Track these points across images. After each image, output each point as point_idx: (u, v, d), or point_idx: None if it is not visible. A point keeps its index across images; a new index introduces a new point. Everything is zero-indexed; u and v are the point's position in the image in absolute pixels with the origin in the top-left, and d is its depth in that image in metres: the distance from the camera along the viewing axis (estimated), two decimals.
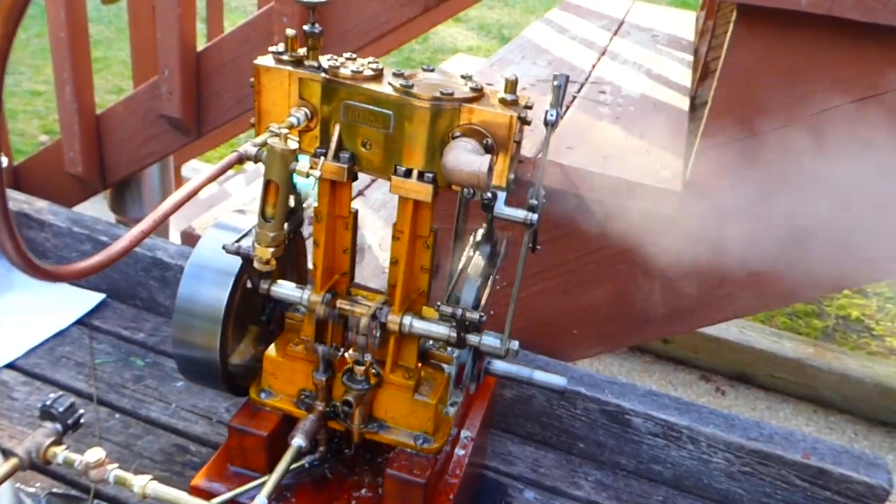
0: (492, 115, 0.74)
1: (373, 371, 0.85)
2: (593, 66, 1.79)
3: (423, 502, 0.84)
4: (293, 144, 0.69)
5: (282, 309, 0.95)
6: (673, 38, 2.19)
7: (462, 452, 0.95)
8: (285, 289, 0.86)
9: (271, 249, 0.72)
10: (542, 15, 2.40)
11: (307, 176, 0.69)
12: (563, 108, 1.45)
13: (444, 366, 0.91)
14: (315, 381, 0.86)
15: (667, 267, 1.26)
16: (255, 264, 0.75)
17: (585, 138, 1.33)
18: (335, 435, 0.93)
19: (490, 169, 0.70)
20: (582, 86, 1.64)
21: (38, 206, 1.53)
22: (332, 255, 0.85)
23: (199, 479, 0.88)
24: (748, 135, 1.06)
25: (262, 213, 0.71)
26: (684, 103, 1.57)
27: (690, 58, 1.97)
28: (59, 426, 0.84)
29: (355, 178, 0.81)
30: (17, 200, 1.55)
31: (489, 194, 0.77)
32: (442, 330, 0.83)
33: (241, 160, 0.68)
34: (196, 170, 3.09)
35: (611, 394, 1.21)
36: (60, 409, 0.84)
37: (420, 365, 0.90)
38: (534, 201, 0.76)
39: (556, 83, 0.71)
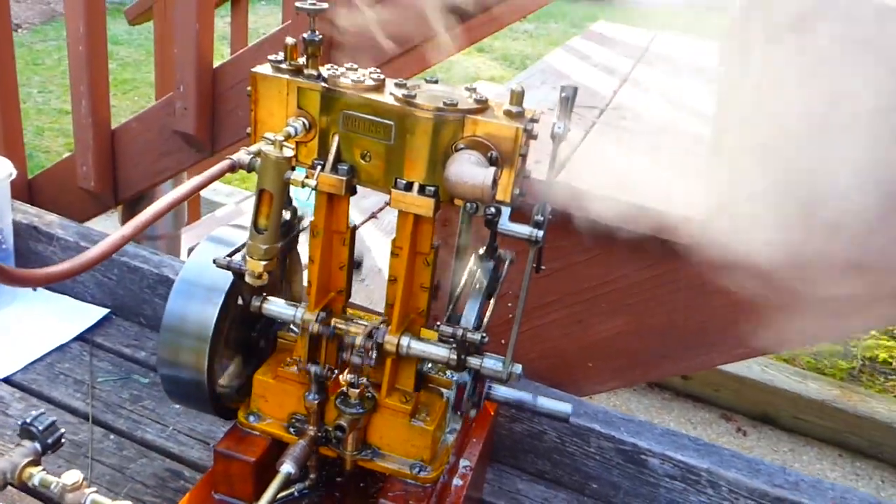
0: (496, 126, 0.70)
1: (367, 395, 0.81)
2: (615, 93, 1.76)
3: None
4: (288, 153, 0.66)
5: (276, 328, 0.91)
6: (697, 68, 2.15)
7: (460, 483, 0.89)
8: (277, 306, 0.82)
9: (263, 263, 0.69)
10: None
11: (302, 186, 0.66)
12: (583, 134, 1.42)
13: (443, 390, 0.86)
14: (307, 405, 0.81)
15: (687, 300, 1.21)
16: (247, 278, 0.71)
17: (603, 163, 1.28)
18: (326, 461, 0.88)
19: (494, 182, 0.67)
20: (602, 111, 1.60)
21: (48, 220, 1.51)
22: (327, 271, 0.81)
23: None
24: None
25: (255, 224, 0.67)
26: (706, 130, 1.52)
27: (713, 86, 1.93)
28: (38, 445, 0.80)
29: (354, 192, 0.77)
30: (28, 213, 1.53)
31: (492, 209, 0.73)
32: (441, 352, 0.79)
33: (233, 168, 0.65)
34: (215, 190, 3.09)
35: (627, 432, 1.15)
36: (40, 428, 0.80)
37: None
38: (539, 217, 0.72)
39: (563, 94, 0.67)
